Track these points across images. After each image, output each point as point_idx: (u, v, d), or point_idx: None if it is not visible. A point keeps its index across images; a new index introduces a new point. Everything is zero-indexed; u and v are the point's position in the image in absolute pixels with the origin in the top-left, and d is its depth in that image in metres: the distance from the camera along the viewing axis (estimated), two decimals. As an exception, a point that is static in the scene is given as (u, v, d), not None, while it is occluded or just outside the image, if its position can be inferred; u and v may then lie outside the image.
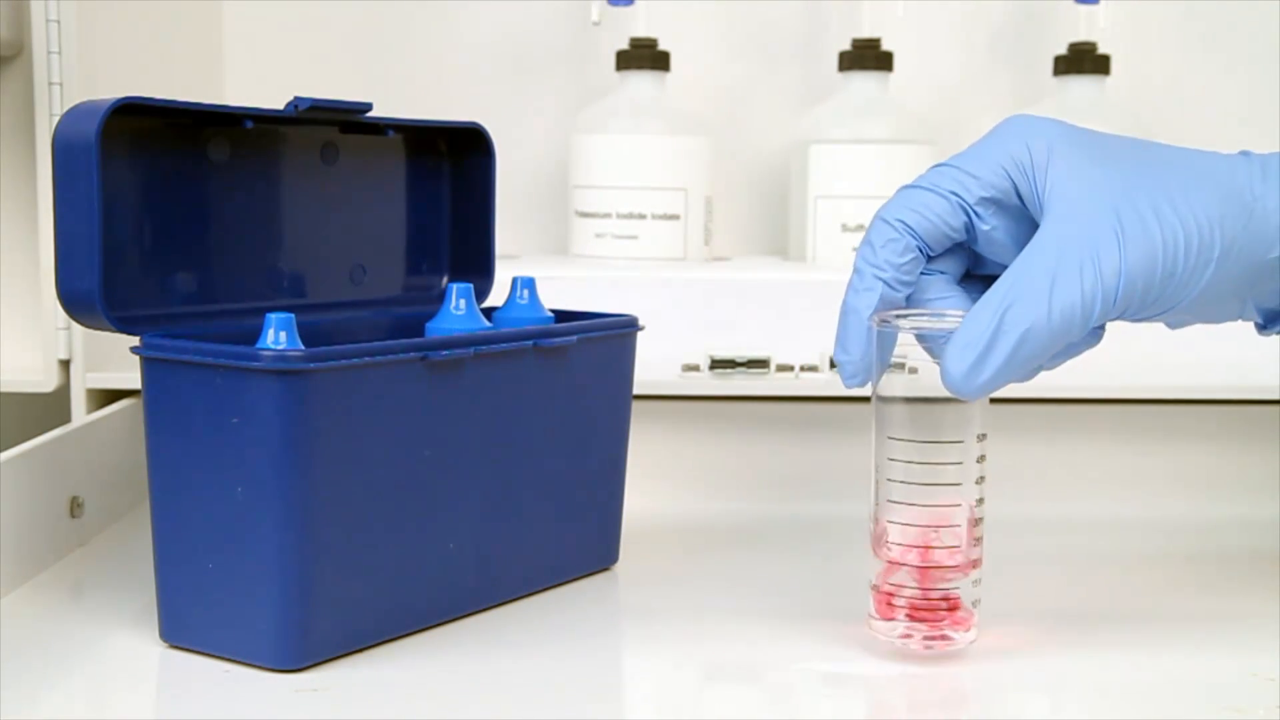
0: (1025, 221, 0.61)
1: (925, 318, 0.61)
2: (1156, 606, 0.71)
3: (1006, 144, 0.61)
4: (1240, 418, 0.91)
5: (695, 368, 0.90)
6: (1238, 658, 0.64)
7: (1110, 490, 0.91)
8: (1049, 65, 1.07)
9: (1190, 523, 0.87)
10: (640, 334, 0.75)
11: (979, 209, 0.61)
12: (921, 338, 0.60)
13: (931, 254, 0.62)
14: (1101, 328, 0.62)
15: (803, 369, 0.90)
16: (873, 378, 0.61)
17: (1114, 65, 1.06)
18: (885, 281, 0.61)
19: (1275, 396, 0.89)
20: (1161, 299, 0.60)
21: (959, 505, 0.60)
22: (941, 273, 0.62)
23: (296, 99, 0.68)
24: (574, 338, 0.70)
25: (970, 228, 0.61)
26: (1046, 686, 0.61)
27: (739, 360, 0.90)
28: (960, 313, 0.60)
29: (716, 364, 0.90)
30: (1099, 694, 0.60)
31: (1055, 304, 0.58)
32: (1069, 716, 0.60)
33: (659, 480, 0.89)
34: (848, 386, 0.62)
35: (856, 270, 0.61)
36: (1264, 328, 0.65)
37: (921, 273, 0.62)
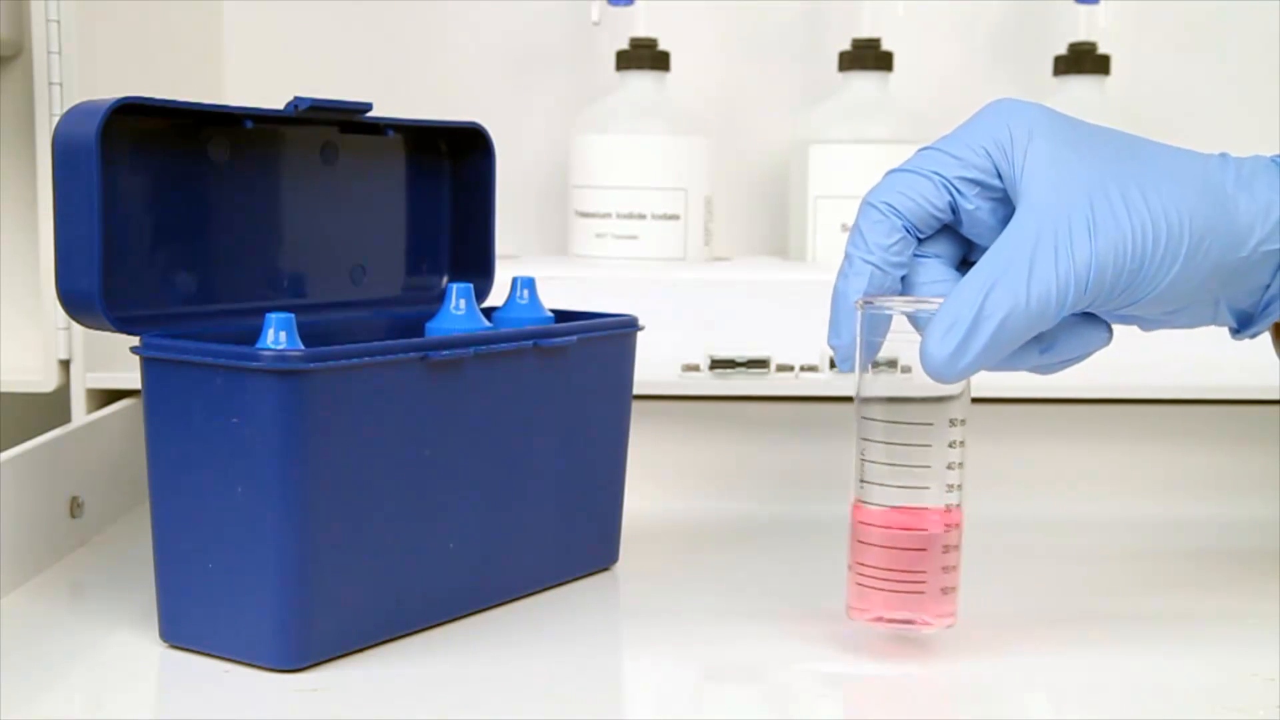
0: (1008, 203, 0.62)
1: (911, 301, 0.61)
2: (1156, 606, 0.71)
3: (989, 125, 0.62)
4: (1240, 418, 0.91)
5: (695, 368, 0.90)
6: (1238, 658, 0.64)
7: (1110, 490, 0.91)
8: (1049, 65, 1.07)
9: (1190, 523, 0.87)
10: (640, 334, 0.75)
11: (962, 189, 0.61)
12: (908, 318, 0.60)
13: (921, 236, 0.62)
14: (1109, 329, 0.63)
15: (803, 369, 0.90)
16: (858, 360, 0.61)
17: (1114, 65, 1.06)
18: (874, 265, 0.61)
19: (1275, 396, 0.89)
20: (1131, 288, 0.60)
21: (929, 488, 0.60)
22: (936, 256, 0.63)
23: (296, 99, 0.68)
24: (574, 338, 0.70)
25: (955, 208, 0.62)
26: (1046, 686, 0.61)
27: (739, 360, 0.90)
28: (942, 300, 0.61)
29: (716, 364, 0.90)
30: (1098, 694, 0.60)
31: (1033, 289, 0.58)
32: (1067, 716, 0.60)
33: (659, 480, 0.89)
34: (843, 371, 0.62)
35: (846, 256, 0.62)
36: (1237, 331, 0.65)
37: (916, 256, 0.62)
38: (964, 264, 0.64)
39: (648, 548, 0.79)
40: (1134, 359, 0.85)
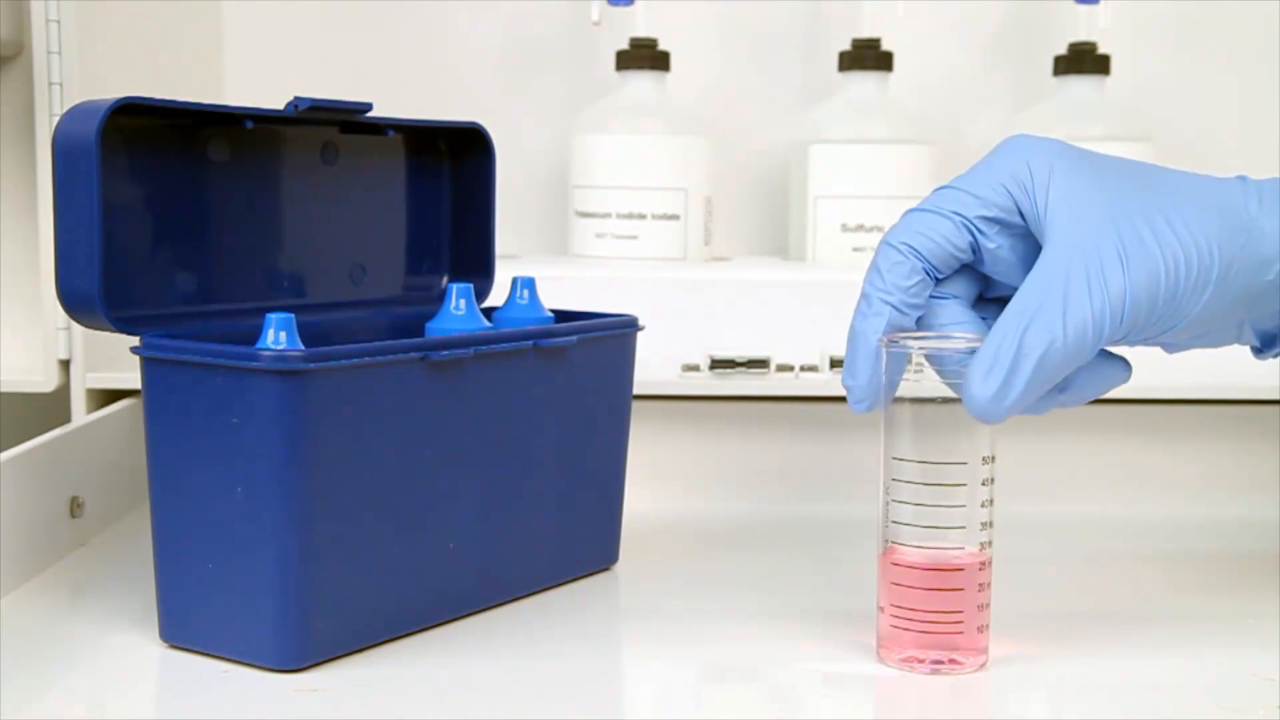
0: (1030, 240, 0.61)
1: (935, 339, 0.61)
2: (1157, 606, 0.71)
3: (1007, 163, 0.61)
4: (1240, 418, 0.91)
5: (695, 368, 0.90)
6: (1238, 658, 0.64)
7: (1111, 490, 0.90)
8: (1049, 65, 1.07)
9: (1190, 523, 0.87)
10: (640, 334, 0.75)
11: (983, 228, 0.61)
12: (932, 358, 0.60)
13: (940, 276, 0.62)
14: (1129, 366, 0.63)
15: (803, 369, 0.90)
16: (882, 399, 0.61)
17: (1114, 65, 1.06)
18: (893, 306, 0.61)
19: (1275, 396, 0.89)
20: (1165, 318, 0.60)
21: (964, 527, 0.60)
22: (954, 297, 0.62)
23: (296, 99, 0.68)
24: (574, 338, 0.70)
25: (976, 248, 0.62)
26: (1046, 686, 0.61)
27: (739, 360, 0.90)
28: (969, 335, 0.61)
29: (716, 364, 0.90)
30: (1099, 694, 0.60)
31: (1069, 324, 0.58)
32: (1069, 716, 0.60)
33: (659, 480, 0.89)
34: (855, 411, 0.62)
35: (864, 295, 0.61)
36: (1260, 351, 0.65)
37: (934, 297, 0.62)
38: (980, 301, 0.64)
39: (648, 548, 0.79)
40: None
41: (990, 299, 0.64)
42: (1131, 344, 0.63)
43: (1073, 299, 0.58)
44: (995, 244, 0.61)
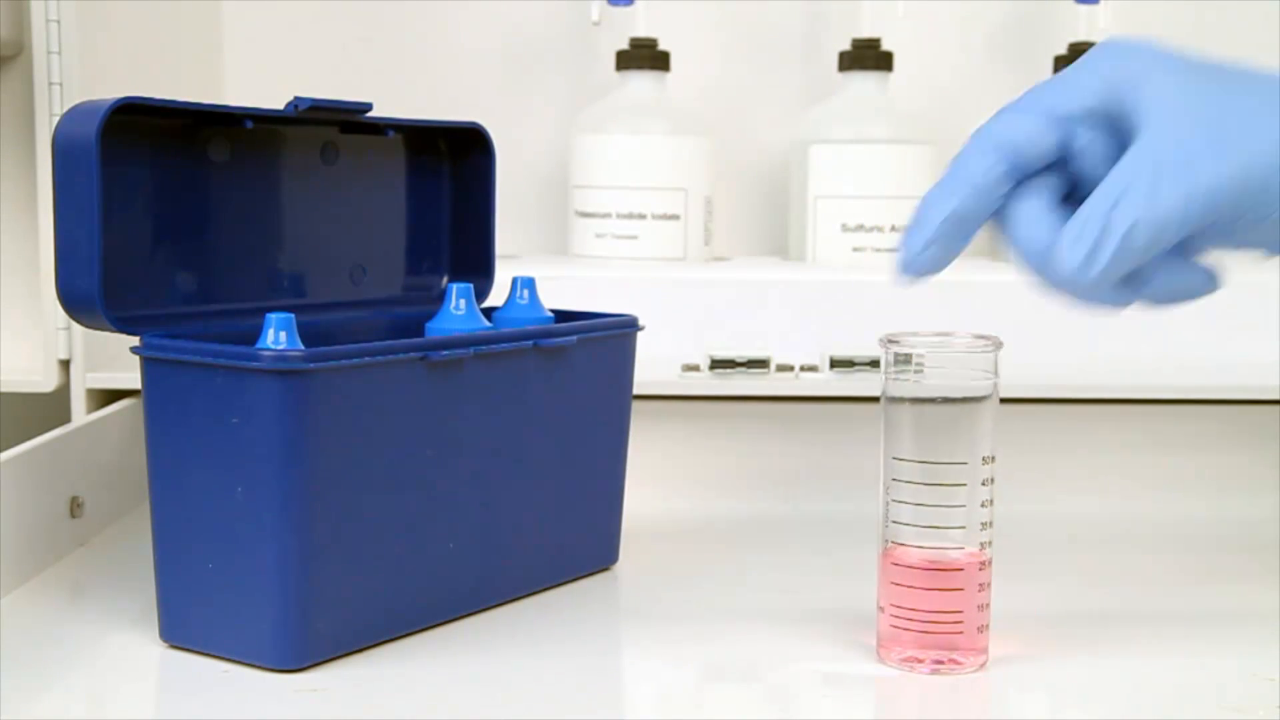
0: (1120, 138, 0.61)
1: (936, 338, 0.61)
2: (1157, 606, 0.71)
3: (1103, 62, 0.62)
4: (1240, 418, 0.91)
5: (695, 368, 0.90)
6: (1238, 658, 0.64)
7: (1111, 490, 0.91)
8: (1049, 65, 1.07)
9: (1190, 523, 0.87)
10: (640, 334, 0.75)
11: (1074, 125, 0.61)
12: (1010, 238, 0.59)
13: (1026, 173, 0.61)
14: (1214, 277, 0.62)
15: (803, 369, 0.90)
16: (883, 406, 0.61)
17: (1114, 65, 1.06)
18: (970, 189, 0.60)
19: (1275, 396, 0.89)
20: (1253, 210, 0.60)
21: (964, 528, 0.60)
22: (1040, 194, 0.62)
23: (296, 99, 0.68)
24: (574, 338, 0.70)
25: (1065, 145, 0.61)
26: (1046, 686, 0.61)
27: (739, 360, 0.90)
28: (968, 335, 0.61)
29: (716, 364, 0.90)
30: (1099, 694, 0.60)
31: (1158, 204, 0.58)
32: (1069, 716, 0.60)
33: (659, 480, 0.89)
34: (900, 275, 0.61)
35: (946, 174, 0.61)
36: None
37: (1020, 193, 0.61)
38: (1068, 199, 0.64)
39: (648, 548, 0.79)
40: (1135, 359, 0.85)
41: (1079, 197, 0.64)
42: (1223, 247, 0.62)
43: (1163, 180, 0.58)
44: (1085, 139, 0.61)
